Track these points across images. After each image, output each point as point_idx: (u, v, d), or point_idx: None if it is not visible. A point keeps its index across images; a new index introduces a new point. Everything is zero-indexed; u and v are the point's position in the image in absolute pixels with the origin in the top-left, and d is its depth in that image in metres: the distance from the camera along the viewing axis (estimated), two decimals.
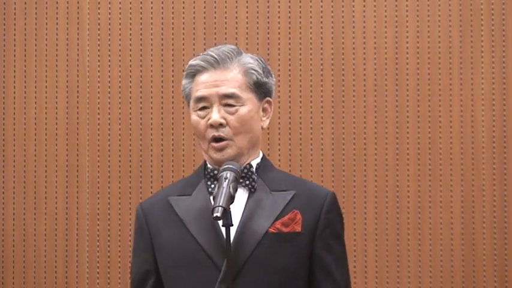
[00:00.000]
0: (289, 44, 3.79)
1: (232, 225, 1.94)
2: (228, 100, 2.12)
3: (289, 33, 3.79)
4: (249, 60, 2.16)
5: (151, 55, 3.85)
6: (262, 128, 2.18)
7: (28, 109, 3.89)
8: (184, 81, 2.19)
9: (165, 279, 2.15)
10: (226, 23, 3.84)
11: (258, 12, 3.81)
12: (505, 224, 3.67)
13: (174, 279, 2.12)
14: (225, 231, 1.97)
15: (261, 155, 2.20)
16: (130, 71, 3.84)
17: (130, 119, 3.84)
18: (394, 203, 3.70)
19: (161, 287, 2.17)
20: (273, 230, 2.08)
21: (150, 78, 3.85)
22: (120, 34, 3.88)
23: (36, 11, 3.90)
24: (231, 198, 1.95)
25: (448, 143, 3.71)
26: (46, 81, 3.89)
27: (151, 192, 3.79)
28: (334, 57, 3.77)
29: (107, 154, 3.84)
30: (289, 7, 3.79)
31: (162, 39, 3.86)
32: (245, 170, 2.13)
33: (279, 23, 3.81)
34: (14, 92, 3.91)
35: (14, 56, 3.91)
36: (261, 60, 2.19)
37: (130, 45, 3.86)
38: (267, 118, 2.19)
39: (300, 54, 3.74)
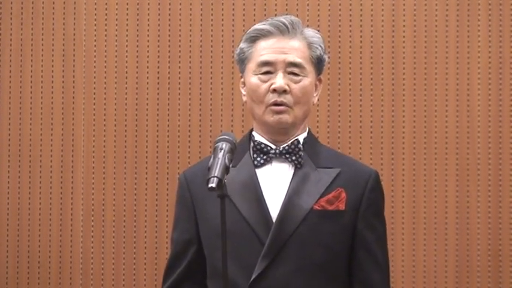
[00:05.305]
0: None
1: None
2: (293, 69, 2.13)
3: (286, 10, 3.81)
4: (313, 34, 2.18)
5: (148, 25, 3.84)
6: (312, 103, 2.19)
7: (24, 77, 3.89)
8: (243, 45, 2.18)
9: (207, 250, 2.14)
10: None
11: None
12: (500, 193, 3.68)
13: (216, 250, 2.08)
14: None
15: (307, 129, 2.21)
16: (127, 51, 3.85)
17: (126, 87, 3.84)
18: (389, 181, 3.70)
19: (202, 256, 2.16)
20: (318, 207, 2.09)
21: (147, 48, 3.85)
22: (117, 4, 3.88)
23: None
24: (226, 169, 1.90)
25: (443, 117, 3.72)
26: (42, 55, 3.89)
27: (146, 163, 3.79)
28: (331, 38, 3.78)
29: (103, 126, 3.85)
30: None
31: (159, 9, 3.86)
32: (292, 146, 2.14)
33: None
34: (10, 65, 3.90)
35: (10, 23, 3.90)
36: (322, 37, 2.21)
37: (127, 14, 3.85)
38: (317, 95, 2.20)
39: None
